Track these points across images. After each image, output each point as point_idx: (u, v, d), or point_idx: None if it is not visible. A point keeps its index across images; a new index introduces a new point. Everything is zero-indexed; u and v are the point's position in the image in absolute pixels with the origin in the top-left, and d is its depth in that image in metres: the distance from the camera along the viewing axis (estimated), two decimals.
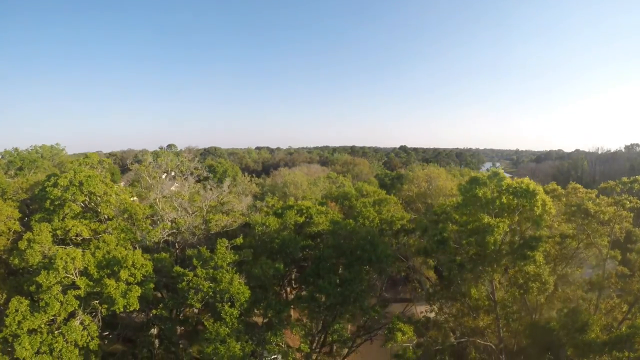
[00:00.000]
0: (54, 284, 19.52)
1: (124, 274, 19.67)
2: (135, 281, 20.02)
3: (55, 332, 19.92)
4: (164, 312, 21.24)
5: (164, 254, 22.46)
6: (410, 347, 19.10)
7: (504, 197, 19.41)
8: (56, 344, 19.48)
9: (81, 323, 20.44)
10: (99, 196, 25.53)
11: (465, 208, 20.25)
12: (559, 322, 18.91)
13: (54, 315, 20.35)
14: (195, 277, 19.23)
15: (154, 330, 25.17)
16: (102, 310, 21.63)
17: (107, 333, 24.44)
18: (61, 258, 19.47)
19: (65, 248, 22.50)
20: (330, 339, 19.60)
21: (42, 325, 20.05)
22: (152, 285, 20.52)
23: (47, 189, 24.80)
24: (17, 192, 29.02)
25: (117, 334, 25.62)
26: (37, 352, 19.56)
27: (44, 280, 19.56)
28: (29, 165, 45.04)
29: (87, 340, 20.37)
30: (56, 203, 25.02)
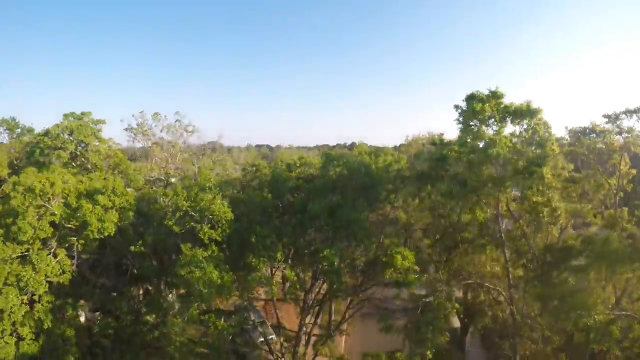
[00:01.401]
0: (28, 208, 18.63)
1: (102, 199, 18.70)
2: (114, 208, 18.99)
3: (27, 264, 18.73)
4: (142, 249, 19.85)
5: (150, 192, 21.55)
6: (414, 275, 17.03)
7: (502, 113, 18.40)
8: (24, 274, 18.16)
9: (54, 255, 19.19)
10: (89, 145, 25.23)
11: (465, 131, 19.12)
12: (578, 240, 16.87)
13: (28, 245, 19.27)
14: (175, 196, 18.10)
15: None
16: (78, 246, 20.41)
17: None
18: (40, 181, 18.73)
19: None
20: (320, 267, 17.61)
21: (14, 256, 18.94)
22: (131, 214, 19.40)
23: (39, 139, 24.72)
24: (9, 151, 28.99)
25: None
26: (5, 283, 18.24)
27: (20, 203, 18.72)
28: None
29: (58, 273, 19.00)
30: (46, 152, 24.77)
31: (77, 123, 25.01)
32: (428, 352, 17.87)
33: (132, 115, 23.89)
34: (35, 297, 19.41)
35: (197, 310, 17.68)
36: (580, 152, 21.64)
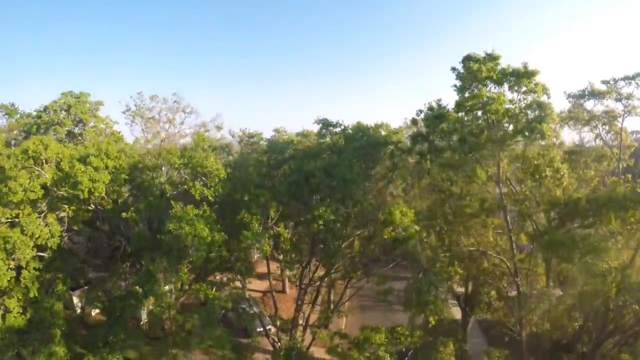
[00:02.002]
0: (20, 170, 18.35)
1: (94, 160, 18.41)
2: (107, 169, 18.67)
3: (16, 227, 18.27)
4: (134, 215, 19.39)
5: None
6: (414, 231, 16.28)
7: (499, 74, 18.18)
8: (12, 236, 17.68)
9: (44, 219, 18.75)
10: (86, 123, 25.21)
11: (462, 92, 18.84)
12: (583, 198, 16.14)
13: (18, 210, 18.85)
14: (167, 154, 17.77)
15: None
16: (69, 212, 19.98)
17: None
18: (33, 142, 18.54)
19: None
20: (315, 226, 16.90)
21: (3, 220, 18.51)
22: (123, 176, 19.04)
23: (37, 114, 24.76)
24: (8, 132, 28.98)
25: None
26: None
27: (11, 164, 18.47)
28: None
29: (47, 237, 18.50)
30: (43, 129, 24.75)
31: (74, 100, 25.08)
32: (430, 319, 17.03)
33: (130, 97, 23.89)
34: (23, 263, 18.88)
35: (187, 275, 17.03)
36: (582, 117, 21.26)
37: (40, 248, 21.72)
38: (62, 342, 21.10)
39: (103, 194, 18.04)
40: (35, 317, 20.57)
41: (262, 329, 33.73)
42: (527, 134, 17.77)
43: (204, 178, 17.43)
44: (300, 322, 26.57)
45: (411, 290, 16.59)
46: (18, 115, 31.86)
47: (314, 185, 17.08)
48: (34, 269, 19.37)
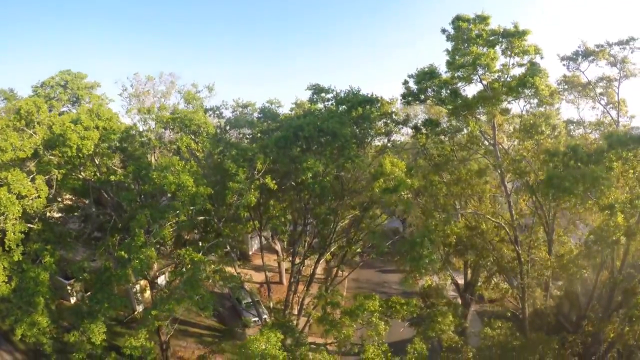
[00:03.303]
0: (12, 130, 18.25)
1: (85, 120, 18.32)
2: (97, 129, 18.49)
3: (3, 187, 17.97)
4: (122, 177, 19.05)
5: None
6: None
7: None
8: None
9: (32, 180, 18.46)
10: (81, 98, 25.30)
11: (453, 54, 18.66)
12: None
13: (7, 172, 18.59)
14: (157, 111, 17.61)
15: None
16: (58, 176, 19.67)
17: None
18: (26, 103, 18.54)
19: None
20: (304, 178, 16.23)
21: None
22: (114, 136, 18.83)
23: (34, 90, 24.96)
24: (7, 113, 29.15)
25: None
26: None
27: (3, 124, 18.39)
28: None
29: (33, 196, 18.16)
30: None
31: (72, 77, 25.34)
32: (427, 281, 16.17)
33: (127, 78, 24.15)
34: (9, 226, 18.46)
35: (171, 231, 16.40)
36: (578, 82, 20.91)
37: (28, 220, 21.44)
38: (46, 312, 20.41)
39: (91, 151, 17.74)
40: (20, 286, 20.00)
41: (257, 319, 32.79)
42: (519, 89, 17.43)
43: (192, 136, 17.19)
44: (296, 308, 25.63)
45: (404, 243, 15.82)
46: (16, 101, 32.27)
47: (303, 139, 16.71)
48: (20, 232, 18.96)
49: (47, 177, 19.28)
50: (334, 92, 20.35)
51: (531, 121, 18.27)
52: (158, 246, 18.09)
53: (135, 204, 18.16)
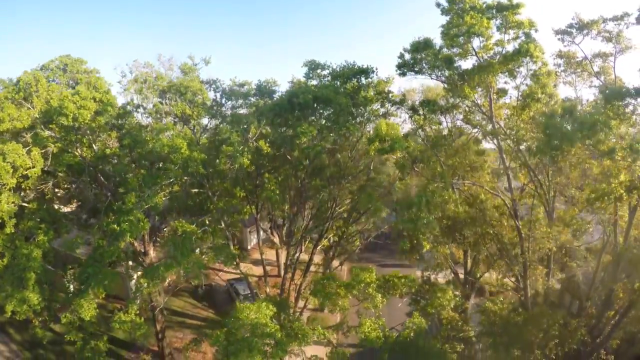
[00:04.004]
0: (9, 101, 18.18)
1: (82, 91, 18.24)
2: (94, 99, 18.37)
3: None
4: (118, 150, 18.79)
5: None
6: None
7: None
8: None
9: (28, 152, 18.22)
10: (80, 82, 25.17)
11: (447, 27, 18.53)
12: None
13: (2, 145, 18.42)
14: (155, 80, 17.47)
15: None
16: (54, 149, 19.46)
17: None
18: (26, 76, 18.53)
19: None
20: (298, 142, 15.73)
21: None
22: (110, 109, 18.69)
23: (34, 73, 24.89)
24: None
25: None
26: None
27: (1, 97, 18.35)
28: None
29: (27, 166, 17.87)
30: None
31: (71, 60, 25.35)
32: (424, 244, 15.56)
33: (126, 64, 24.16)
34: (3, 197, 18.12)
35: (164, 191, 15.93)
36: (573, 55, 20.70)
37: (23, 199, 21.11)
38: (37, 288, 19.81)
39: (87, 120, 17.56)
40: (12, 262, 19.52)
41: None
42: (514, 58, 17.24)
43: (189, 104, 17.00)
44: (293, 295, 24.82)
45: (401, 204, 15.24)
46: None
47: (297, 106, 16.46)
48: (13, 203, 18.62)
49: (43, 150, 19.09)
50: (330, 69, 20.21)
51: (527, 91, 17.97)
52: (150, 215, 17.57)
53: (128, 175, 17.80)
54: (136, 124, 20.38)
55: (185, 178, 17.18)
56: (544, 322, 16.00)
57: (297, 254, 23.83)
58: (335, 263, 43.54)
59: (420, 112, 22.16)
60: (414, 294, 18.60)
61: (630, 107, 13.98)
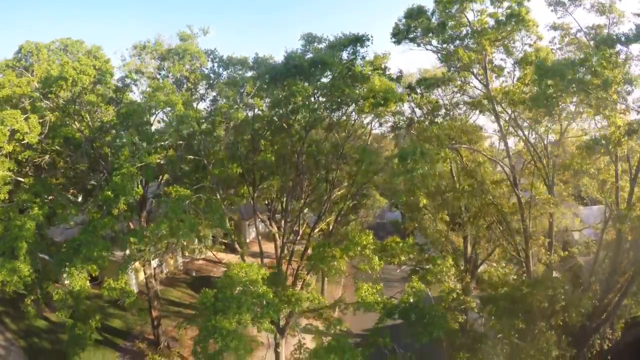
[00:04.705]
0: (10, 69, 18.03)
1: (82, 59, 18.06)
2: (94, 67, 18.13)
3: None
4: (114, 119, 18.40)
5: None
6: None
7: None
8: None
9: (26, 119, 17.84)
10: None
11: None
12: None
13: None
14: (153, 47, 17.21)
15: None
16: (52, 118, 19.07)
17: None
18: (28, 44, 18.44)
19: None
20: (293, 101, 15.16)
21: None
22: (109, 77, 18.45)
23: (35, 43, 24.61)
24: None
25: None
26: None
27: (2, 65, 18.22)
28: None
29: (25, 131, 17.43)
30: None
31: (72, 41, 25.32)
32: (421, 199, 14.81)
33: (126, 49, 24.09)
34: None
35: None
36: (567, 27, 20.38)
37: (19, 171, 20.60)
38: (28, 259, 18.98)
39: (87, 85, 17.26)
40: (5, 234, 18.85)
41: None
42: (507, 22, 16.99)
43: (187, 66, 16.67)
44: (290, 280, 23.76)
45: (396, 156, 14.53)
46: None
47: (293, 68, 16.11)
48: (8, 169, 18.13)
49: (41, 120, 18.77)
50: (327, 41, 19.98)
51: (522, 57, 17.62)
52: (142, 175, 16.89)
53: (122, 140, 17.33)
54: (134, 101, 20.12)
55: (181, 142, 16.69)
56: (549, 285, 14.95)
57: (294, 235, 22.98)
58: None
59: (418, 90, 21.85)
60: (412, 263, 17.62)
61: (622, 56, 13.48)
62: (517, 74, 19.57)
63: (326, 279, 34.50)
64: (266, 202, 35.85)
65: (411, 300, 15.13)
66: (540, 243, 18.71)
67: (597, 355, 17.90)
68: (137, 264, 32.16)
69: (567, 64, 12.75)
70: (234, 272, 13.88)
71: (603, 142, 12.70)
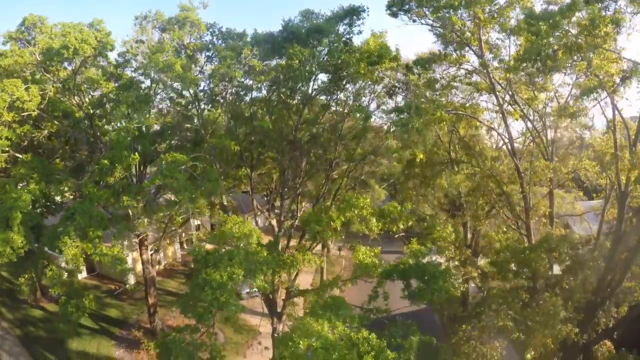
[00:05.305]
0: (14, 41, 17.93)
1: (85, 30, 17.95)
2: (96, 38, 17.99)
3: None
4: (114, 90, 18.15)
5: None
6: None
7: None
8: None
9: (26, 89, 17.54)
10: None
11: None
12: None
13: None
14: (153, 16, 17.06)
15: None
16: (52, 90, 18.75)
17: None
18: (31, 16, 18.37)
19: None
20: (289, 63, 14.79)
21: None
22: (110, 47, 18.30)
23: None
24: None
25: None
26: None
27: (7, 36, 18.13)
28: None
29: (25, 99, 17.13)
30: None
31: (72, 24, 25.29)
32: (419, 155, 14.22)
33: (127, 36, 24.00)
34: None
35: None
36: None
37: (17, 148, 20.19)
38: (22, 230, 18.32)
39: (88, 55, 17.08)
40: (0, 205, 18.31)
41: (250, 290, 29.78)
42: None
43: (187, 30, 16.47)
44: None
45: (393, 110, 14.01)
46: None
47: (291, 34, 15.90)
48: (6, 138, 17.75)
49: (41, 92, 18.54)
50: (325, 16, 19.89)
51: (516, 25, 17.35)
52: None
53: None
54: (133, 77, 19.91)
55: (179, 108, 16.34)
56: (553, 245, 14.12)
57: (292, 213, 22.32)
58: (334, 251, 41.48)
59: (415, 71, 21.62)
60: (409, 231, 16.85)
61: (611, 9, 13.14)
62: (513, 50, 19.40)
63: (324, 271, 33.47)
64: (265, 195, 35.29)
65: (410, 262, 14.33)
66: (541, 213, 17.94)
67: (602, 334, 16.87)
68: (134, 253, 31.56)
69: (556, 10, 12.43)
70: (227, 227, 13.22)
71: (598, 90, 12.23)
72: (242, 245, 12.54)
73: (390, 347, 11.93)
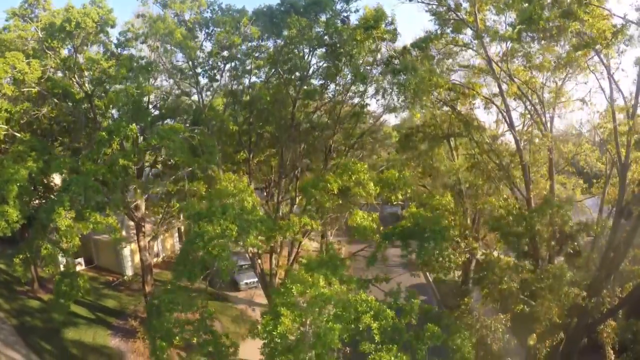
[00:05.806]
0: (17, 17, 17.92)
1: (87, 7, 17.97)
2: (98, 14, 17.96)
3: None
4: (114, 67, 18.00)
5: None
6: None
7: None
8: None
9: (28, 64, 17.39)
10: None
11: None
12: None
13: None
14: None
15: None
16: (52, 64, 18.57)
17: None
18: None
19: None
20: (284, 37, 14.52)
21: None
22: (111, 23, 18.28)
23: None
24: None
25: None
26: None
27: (10, 12, 18.15)
28: None
29: (25, 72, 16.93)
30: None
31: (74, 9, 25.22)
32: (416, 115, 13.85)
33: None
34: None
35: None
36: None
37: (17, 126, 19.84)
38: (18, 204, 17.78)
39: (90, 29, 17.03)
40: None
41: (251, 280, 29.38)
42: None
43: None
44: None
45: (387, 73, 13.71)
46: None
47: (290, 8, 15.83)
48: (6, 110, 17.48)
49: (42, 68, 18.41)
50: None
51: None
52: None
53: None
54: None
55: (177, 80, 16.17)
56: (555, 206, 13.53)
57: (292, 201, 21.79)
58: (336, 246, 40.46)
59: (413, 53, 21.57)
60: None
61: None
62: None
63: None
64: (264, 187, 34.80)
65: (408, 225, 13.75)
66: (542, 187, 17.42)
67: (607, 313, 16.08)
68: (133, 245, 30.80)
69: None
70: (222, 185, 12.75)
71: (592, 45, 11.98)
72: (237, 199, 12.02)
73: (391, 309, 11.25)
